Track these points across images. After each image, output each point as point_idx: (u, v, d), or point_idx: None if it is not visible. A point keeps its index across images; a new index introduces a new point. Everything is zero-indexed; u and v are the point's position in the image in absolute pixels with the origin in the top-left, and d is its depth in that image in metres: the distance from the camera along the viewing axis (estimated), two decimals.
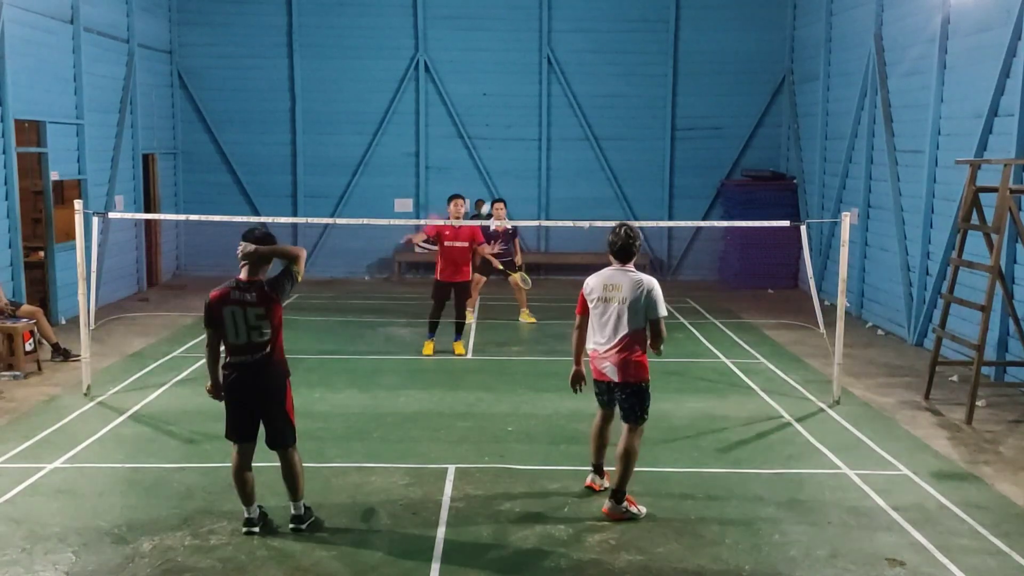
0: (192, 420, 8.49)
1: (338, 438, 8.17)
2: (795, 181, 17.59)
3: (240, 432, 6.08)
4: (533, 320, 13.57)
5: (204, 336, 6.17)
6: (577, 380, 6.76)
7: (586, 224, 10.45)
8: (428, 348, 11.48)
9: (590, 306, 6.58)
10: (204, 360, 6.31)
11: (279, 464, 6.19)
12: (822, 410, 9.21)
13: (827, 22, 16.08)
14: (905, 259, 12.93)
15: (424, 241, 11.93)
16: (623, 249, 6.50)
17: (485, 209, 15.66)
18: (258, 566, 5.67)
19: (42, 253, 13.07)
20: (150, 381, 10.00)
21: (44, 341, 10.74)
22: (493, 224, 13.03)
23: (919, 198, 12.45)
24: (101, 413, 8.82)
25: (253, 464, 6.14)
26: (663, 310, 6.41)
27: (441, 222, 11.61)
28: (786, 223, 10.66)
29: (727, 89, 18.19)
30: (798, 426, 8.67)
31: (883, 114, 13.64)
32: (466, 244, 11.42)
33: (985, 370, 9.95)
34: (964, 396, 9.21)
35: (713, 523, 6.39)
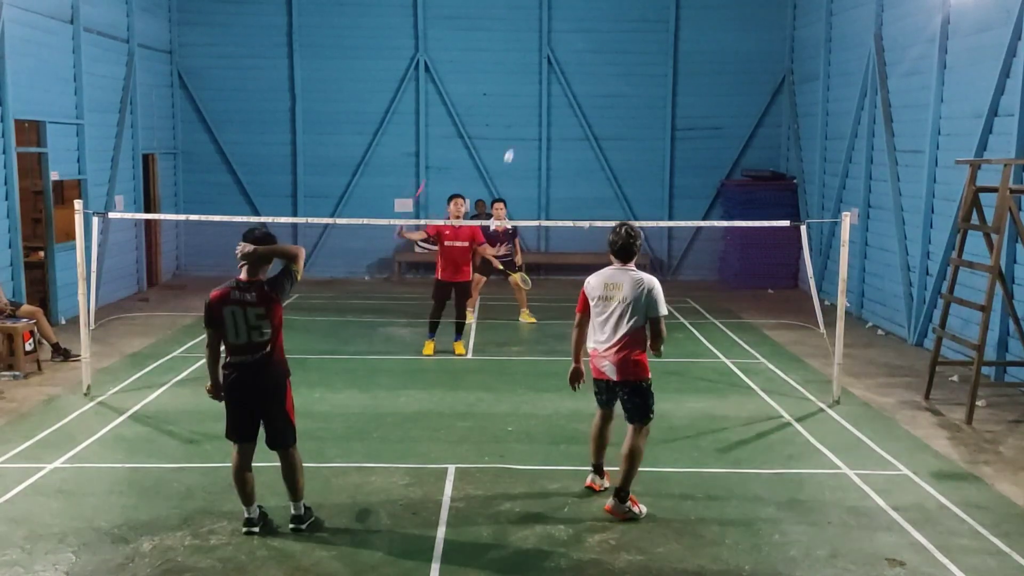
0: (192, 420, 8.49)
1: (338, 438, 8.17)
2: (795, 181, 17.59)
3: (240, 432, 6.08)
4: (533, 320, 13.58)
5: (204, 336, 6.17)
6: (576, 378, 6.78)
7: (586, 224, 10.45)
8: (429, 348, 11.48)
9: (591, 305, 6.59)
10: (204, 360, 6.31)
11: (279, 464, 6.19)
12: (822, 410, 9.21)
13: (827, 22, 16.08)
14: (905, 259, 12.93)
15: (424, 241, 11.92)
16: (624, 249, 6.51)
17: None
18: (258, 566, 5.67)
19: (42, 253, 13.07)
20: (150, 381, 10.00)
21: (44, 341, 10.74)
22: (493, 224, 13.03)
23: (919, 198, 12.45)
24: (101, 413, 8.82)
25: (253, 464, 6.14)
26: (663, 309, 6.41)
27: (432, 222, 11.61)
28: (786, 223, 10.66)
29: (727, 89, 18.18)
30: (798, 426, 8.68)
31: (883, 114, 13.64)
32: (466, 244, 11.42)
33: (985, 370, 9.95)
34: (964, 396, 9.21)
35: (713, 523, 6.39)
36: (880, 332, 13.33)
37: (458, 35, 18.05)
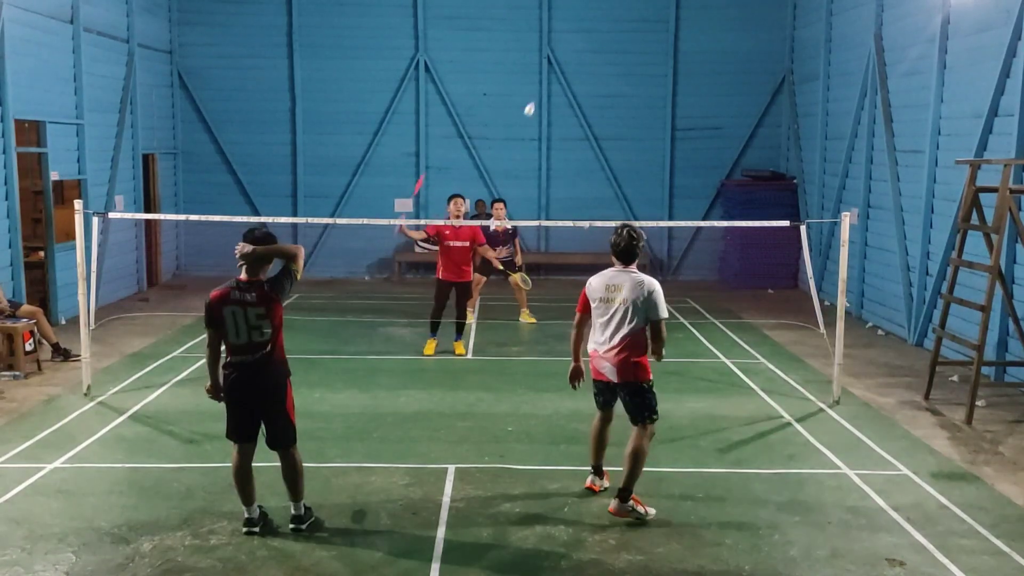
0: (192, 420, 8.49)
1: (338, 438, 8.17)
2: (795, 181, 17.59)
3: (241, 432, 6.08)
4: (533, 320, 13.58)
5: (204, 336, 6.17)
6: (576, 376, 6.80)
7: (586, 224, 10.45)
8: (430, 348, 11.48)
9: (592, 306, 6.59)
10: (204, 360, 6.31)
11: (279, 464, 6.19)
12: (822, 410, 9.21)
13: (827, 22, 16.08)
14: (905, 259, 12.93)
15: (424, 241, 11.92)
16: (626, 251, 6.51)
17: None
18: (258, 566, 5.67)
19: (42, 253, 13.07)
20: (150, 381, 10.00)
21: (44, 341, 10.74)
22: (493, 224, 13.02)
23: (919, 198, 12.45)
24: (101, 413, 8.82)
25: (253, 464, 6.14)
26: (664, 312, 6.41)
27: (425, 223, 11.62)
28: (786, 223, 10.66)
29: (727, 89, 18.18)
30: (798, 426, 8.67)
31: (883, 114, 13.64)
32: (467, 244, 11.42)
33: (985, 370, 9.95)
34: (964, 396, 9.21)
35: (713, 523, 6.39)
36: (880, 332, 13.33)
37: (458, 35, 18.05)
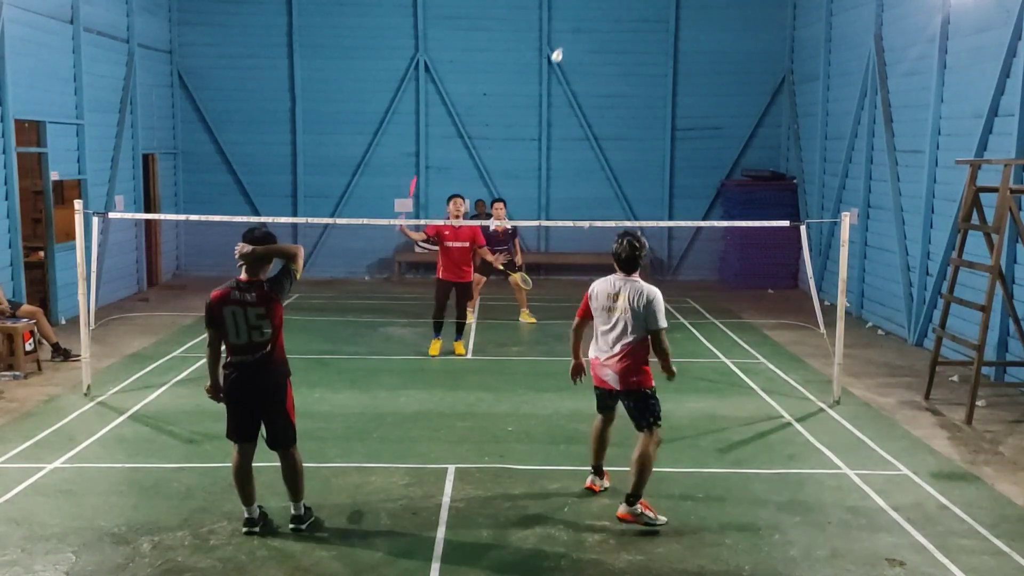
0: (192, 420, 8.49)
1: (338, 438, 8.17)
2: (795, 181, 17.59)
3: (241, 432, 6.08)
4: (533, 320, 13.58)
5: (204, 336, 6.17)
6: (577, 372, 6.83)
7: (586, 224, 10.45)
8: (435, 348, 11.45)
9: (593, 313, 6.59)
10: (204, 360, 6.31)
11: (279, 464, 6.19)
12: (822, 410, 9.21)
13: (827, 22, 16.08)
14: (905, 259, 12.93)
15: (424, 241, 11.92)
16: (628, 261, 6.50)
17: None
18: (258, 566, 5.67)
19: (42, 253, 13.07)
20: (150, 381, 10.00)
21: (44, 341, 10.74)
22: (493, 224, 13.02)
23: (919, 198, 12.45)
24: (101, 413, 8.82)
25: (253, 464, 6.14)
26: (663, 322, 6.37)
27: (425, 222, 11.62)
28: (786, 223, 10.66)
29: (727, 89, 18.18)
30: (798, 426, 8.67)
31: (883, 114, 13.64)
32: (467, 244, 11.41)
33: (985, 370, 9.95)
34: (964, 396, 9.21)
35: (713, 523, 6.39)
36: (880, 332, 13.33)
37: (458, 35, 18.05)
